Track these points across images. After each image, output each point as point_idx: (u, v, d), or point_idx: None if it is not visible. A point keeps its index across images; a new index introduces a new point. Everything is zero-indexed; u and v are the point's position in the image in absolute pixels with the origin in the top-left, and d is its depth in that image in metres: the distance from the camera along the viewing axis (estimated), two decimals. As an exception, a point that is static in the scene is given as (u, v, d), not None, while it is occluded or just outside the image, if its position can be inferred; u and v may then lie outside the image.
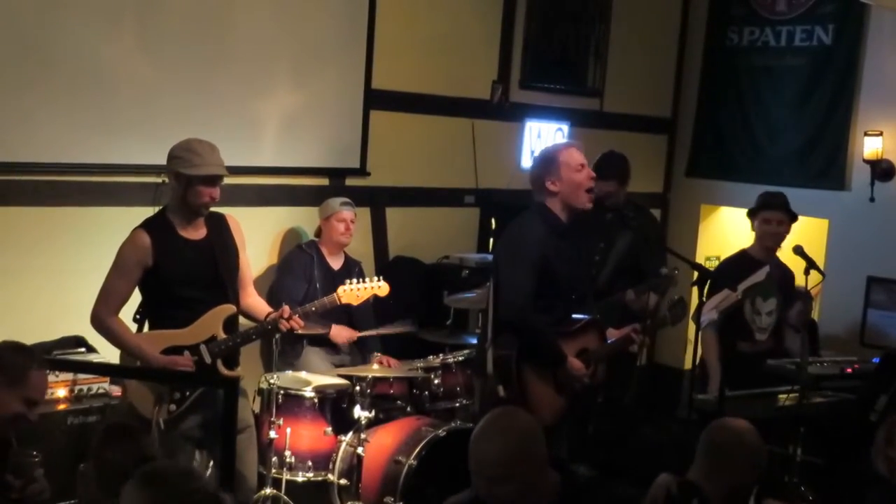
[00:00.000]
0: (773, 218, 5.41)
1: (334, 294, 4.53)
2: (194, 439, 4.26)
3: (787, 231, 5.45)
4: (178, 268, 4.17)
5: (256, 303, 4.51)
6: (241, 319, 4.46)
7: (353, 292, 4.55)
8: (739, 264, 5.35)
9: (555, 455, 4.01)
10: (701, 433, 3.37)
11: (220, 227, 4.32)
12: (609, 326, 4.52)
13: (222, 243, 4.29)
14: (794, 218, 5.48)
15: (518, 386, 4.11)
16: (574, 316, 4.34)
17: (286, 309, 4.35)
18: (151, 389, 4.16)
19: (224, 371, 4.23)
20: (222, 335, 4.22)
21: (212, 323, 4.21)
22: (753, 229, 5.51)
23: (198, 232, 4.25)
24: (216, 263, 4.23)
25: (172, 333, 4.19)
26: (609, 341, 4.42)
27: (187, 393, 4.14)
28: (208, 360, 4.19)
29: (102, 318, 4.14)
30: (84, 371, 4.74)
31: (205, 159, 4.12)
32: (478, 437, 2.92)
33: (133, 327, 4.30)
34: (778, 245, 5.43)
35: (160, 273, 4.15)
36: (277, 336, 4.56)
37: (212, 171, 4.13)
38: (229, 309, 4.26)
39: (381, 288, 4.63)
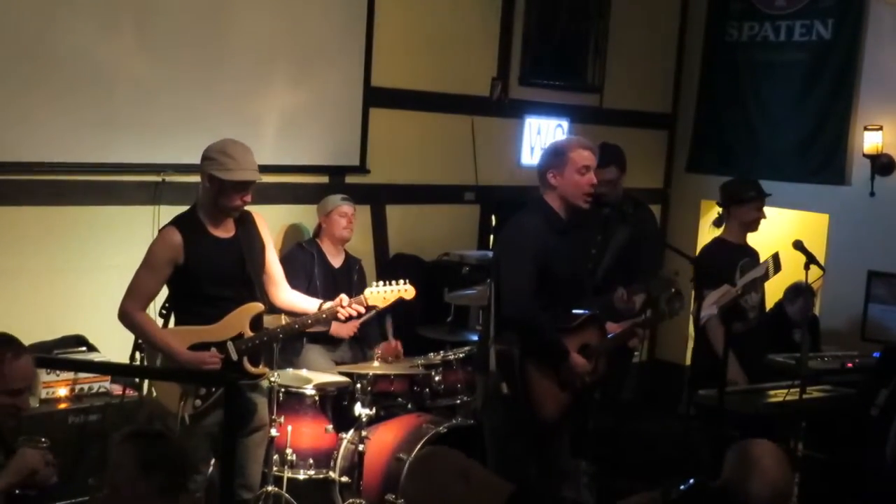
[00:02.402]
0: (762, 205, 5.45)
1: (361, 296, 4.49)
2: (215, 435, 4.27)
3: None
4: (208, 266, 4.18)
5: (297, 297, 4.51)
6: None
7: (379, 294, 4.50)
8: (720, 253, 5.36)
9: (507, 462, 4.03)
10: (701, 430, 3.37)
11: (247, 225, 4.33)
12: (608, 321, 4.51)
13: (250, 242, 4.30)
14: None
15: (521, 382, 4.11)
16: (574, 311, 4.34)
17: (344, 297, 4.38)
18: (178, 384, 4.17)
19: (250, 368, 4.25)
20: (249, 333, 4.23)
21: (239, 320, 4.22)
22: (732, 217, 5.43)
23: (227, 230, 4.26)
24: (244, 262, 4.24)
25: (200, 330, 4.20)
26: (610, 336, 4.41)
27: (213, 389, 4.15)
28: (235, 356, 4.20)
29: (130, 314, 4.15)
30: (85, 370, 4.75)
31: (239, 163, 4.14)
32: (405, 478, 2.97)
33: (158, 322, 4.29)
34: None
35: (190, 270, 4.16)
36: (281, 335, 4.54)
37: (245, 176, 4.15)
38: (257, 307, 4.27)
39: (407, 291, 4.56)
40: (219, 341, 4.20)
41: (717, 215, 5.53)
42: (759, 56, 7.87)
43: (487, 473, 2.91)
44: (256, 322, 4.29)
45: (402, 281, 4.57)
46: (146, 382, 4.77)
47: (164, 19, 5.34)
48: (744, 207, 5.41)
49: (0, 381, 3.07)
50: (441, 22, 6.68)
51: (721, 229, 5.50)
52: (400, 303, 4.60)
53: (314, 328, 5.12)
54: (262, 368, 4.35)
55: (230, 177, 4.12)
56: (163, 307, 4.28)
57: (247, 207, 4.34)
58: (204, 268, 4.17)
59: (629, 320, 4.56)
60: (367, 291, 4.50)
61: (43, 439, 3.16)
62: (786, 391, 4.91)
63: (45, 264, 5.05)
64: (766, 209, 5.53)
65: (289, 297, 4.48)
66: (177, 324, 4.28)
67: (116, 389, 4.73)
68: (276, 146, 5.86)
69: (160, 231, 4.24)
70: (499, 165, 7.10)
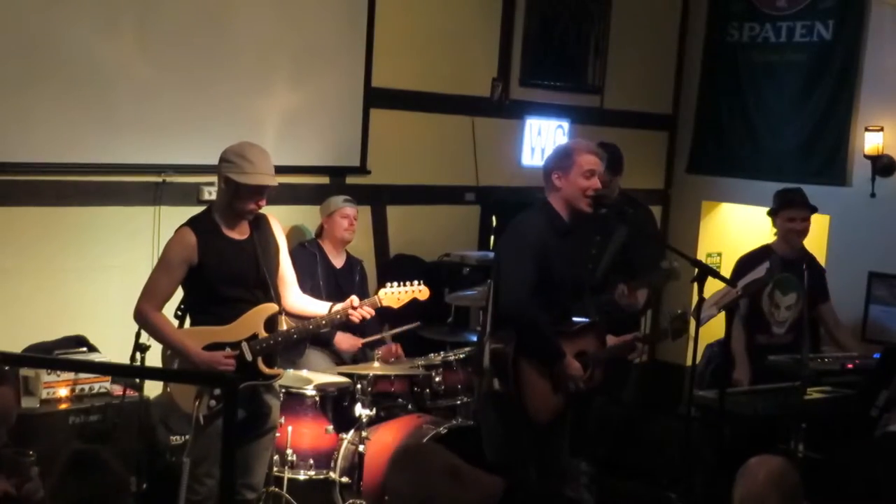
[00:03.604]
0: (797, 216, 5.45)
1: (375, 296, 4.48)
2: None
3: (809, 226, 5.52)
4: (222, 266, 4.19)
5: (308, 301, 4.51)
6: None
7: (393, 295, 4.47)
8: (761, 260, 5.35)
9: (503, 461, 4.02)
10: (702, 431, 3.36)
11: (262, 228, 4.34)
12: (605, 325, 4.50)
13: (265, 243, 4.31)
14: (814, 211, 5.53)
15: (514, 380, 4.11)
16: (575, 319, 4.34)
17: (355, 298, 4.38)
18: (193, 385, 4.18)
19: (264, 369, 4.25)
20: (263, 334, 4.23)
21: (254, 321, 4.23)
22: (775, 227, 5.51)
23: (242, 232, 4.27)
24: (259, 263, 4.25)
25: (214, 330, 4.20)
26: (609, 346, 4.41)
27: None
28: (249, 357, 4.20)
29: (146, 314, 4.16)
30: (85, 370, 4.75)
31: (255, 167, 4.15)
32: (388, 472, 2.93)
33: (174, 323, 4.29)
34: (802, 241, 5.48)
35: (204, 271, 4.17)
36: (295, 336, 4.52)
37: (261, 181, 4.16)
38: (271, 308, 4.27)
39: (421, 292, 4.54)
40: (233, 342, 4.20)
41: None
42: (759, 57, 7.88)
43: (476, 471, 2.89)
44: (271, 323, 4.29)
45: (416, 282, 4.55)
46: (158, 383, 4.80)
47: (166, 19, 5.34)
48: (776, 218, 5.46)
49: None
50: (442, 22, 6.68)
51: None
52: (413, 303, 4.58)
53: (324, 330, 5.13)
54: (276, 370, 4.35)
55: (246, 180, 4.13)
56: (178, 309, 4.29)
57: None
58: (218, 268, 4.18)
59: (630, 333, 4.55)
60: (381, 292, 4.48)
61: (31, 452, 3.12)
62: (786, 392, 4.91)
63: (45, 264, 5.05)
64: (766, 210, 5.54)
65: (300, 300, 4.48)
66: (192, 325, 4.28)
67: (117, 390, 4.73)
68: (277, 147, 5.84)
69: (175, 231, 4.25)
70: (499, 166, 7.10)
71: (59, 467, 2.80)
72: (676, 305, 5.15)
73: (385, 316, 5.61)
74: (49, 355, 4.70)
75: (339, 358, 5.52)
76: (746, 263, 5.37)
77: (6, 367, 3.08)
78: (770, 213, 5.53)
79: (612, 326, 4.54)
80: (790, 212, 5.44)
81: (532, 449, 4.23)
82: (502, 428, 4.22)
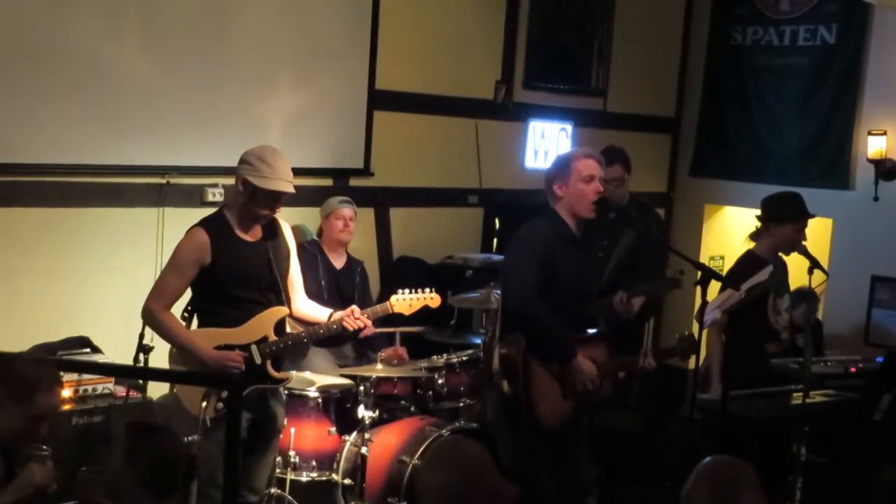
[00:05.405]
0: (803, 227, 5.21)
1: (387, 303, 4.47)
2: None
3: None
4: (236, 267, 4.18)
5: (312, 307, 4.51)
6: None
7: (405, 302, 4.48)
8: (750, 265, 5.29)
9: (519, 469, 4.00)
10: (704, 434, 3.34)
11: (274, 231, 4.33)
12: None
13: (277, 247, 4.30)
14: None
15: (523, 382, 4.11)
16: (587, 329, 4.35)
17: (355, 308, 4.39)
18: (200, 387, 4.17)
19: (272, 372, 4.25)
20: (273, 337, 4.22)
21: (264, 324, 4.22)
22: (769, 231, 5.23)
23: (255, 234, 4.27)
24: (272, 266, 4.24)
25: (224, 332, 4.19)
26: (616, 358, 4.41)
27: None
28: (258, 360, 4.19)
29: (154, 313, 4.15)
30: (89, 371, 4.75)
31: (276, 172, 4.14)
32: (424, 468, 2.90)
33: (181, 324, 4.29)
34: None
35: (216, 271, 4.16)
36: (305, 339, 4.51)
37: (280, 187, 4.15)
38: (282, 311, 4.26)
39: (433, 299, 4.54)
40: (243, 344, 4.19)
41: (754, 228, 5.33)
42: (763, 60, 7.88)
43: (505, 482, 2.89)
44: (281, 326, 4.28)
45: (427, 289, 4.55)
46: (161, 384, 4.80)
47: (169, 21, 5.35)
48: (783, 227, 5.17)
49: (29, 407, 3.09)
50: (446, 25, 6.69)
51: (754, 243, 5.31)
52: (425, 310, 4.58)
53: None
54: (284, 373, 4.35)
55: (265, 185, 4.12)
56: (185, 310, 4.29)
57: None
58: (230, 269, 4.17)
59: (636, 352, 4.54)
60: (392, 299, 4.48)
61: (45, 447, 3.16)
62: (789, 395, 4.91)
63: (49, 265, 5.06)
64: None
65: (305, 306, 4.48)
66: (200, 326, 4.28)
67: (120, 391, 4.73)
68: (280, 148, 5.77)
69: (188, 231, 4.24)
70: (502, 169, 7.11)
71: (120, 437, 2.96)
72: (680, 312, 5.15)
73: (386, 319, 5.62)
74: (53, 356, 4.70)
75: (340, 356, 5.52)
76: (738, 270, 5.28)
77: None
78: (768, 221, 5.24)
79: (614, 338, 4.53)
80: (800, 223, 5.19)
81: (547, 458, 4.22)
82: (514, 437, 4.21)
